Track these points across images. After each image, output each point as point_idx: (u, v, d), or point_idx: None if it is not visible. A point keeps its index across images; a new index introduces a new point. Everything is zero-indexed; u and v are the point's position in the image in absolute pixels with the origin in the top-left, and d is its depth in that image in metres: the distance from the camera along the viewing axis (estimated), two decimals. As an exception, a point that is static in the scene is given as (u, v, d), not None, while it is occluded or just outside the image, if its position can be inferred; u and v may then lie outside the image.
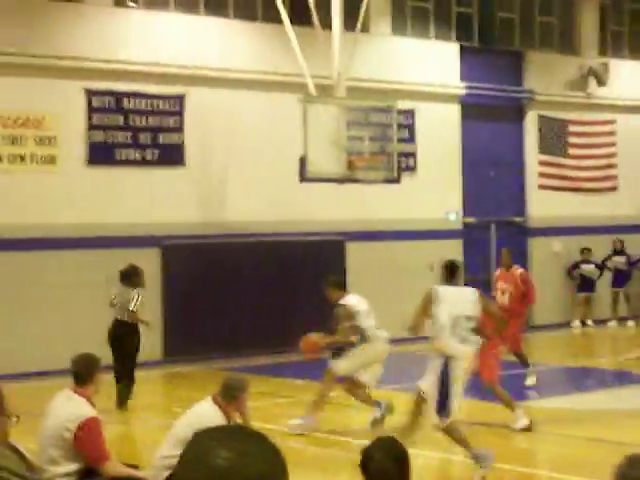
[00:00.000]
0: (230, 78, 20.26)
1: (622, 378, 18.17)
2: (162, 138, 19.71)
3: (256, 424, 11.85)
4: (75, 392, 8.32)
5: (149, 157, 19.56)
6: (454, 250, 22.21)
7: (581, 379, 18.39)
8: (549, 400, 15.45)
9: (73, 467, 8.10)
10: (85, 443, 8.06)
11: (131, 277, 15.23)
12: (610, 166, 26.74)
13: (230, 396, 8.47)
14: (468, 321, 10.86)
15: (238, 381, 8.74)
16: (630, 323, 25.25)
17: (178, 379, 18.03)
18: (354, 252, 21.07)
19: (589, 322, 25.14)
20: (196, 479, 1.88)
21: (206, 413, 8.32)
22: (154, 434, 12.06)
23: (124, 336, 14.90)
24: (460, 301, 10.94)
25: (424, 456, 11.49)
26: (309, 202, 20.77)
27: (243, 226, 20.20)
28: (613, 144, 26.75)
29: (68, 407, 8.22)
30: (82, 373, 8.37)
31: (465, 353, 10.85)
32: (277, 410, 14.98)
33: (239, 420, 8.62)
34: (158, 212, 19.43)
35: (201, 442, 1.94)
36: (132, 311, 14.92)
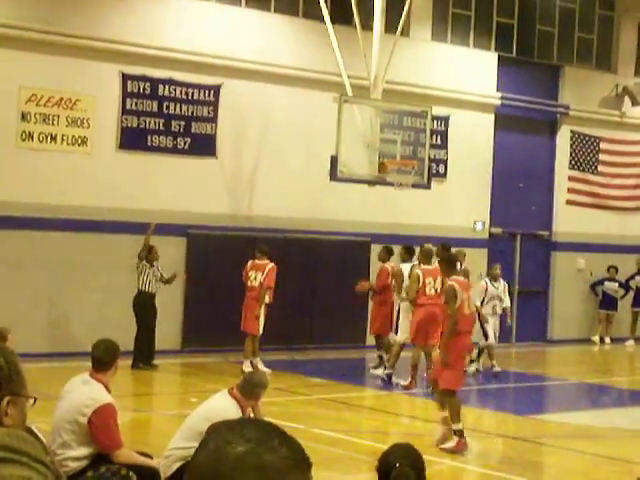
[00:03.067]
0: (267, 72, 20.27)
1: (636, 397, 18.14)
2: (195, 127, 19.72)
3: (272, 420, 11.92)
4: (93, 377, 8.28)
5: (181, 145, 19.58)
6: (479, 259, 22.17)
7: (597, 396, 18.34)
8: (563, 415, 15.40)
9: (85, 451, 8.10)
10: (99, 429, 8.06)
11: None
12: (638, 186, 26.65)
13: (251, 391, 8.44)
14: None
15: (261, 378, 8.73)
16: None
17: (195, 369, 18.05)
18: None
19: (607, 339, 25.07)
20: (214, 469, 1.86)
21: (222, 405, 8.30)
22: (168, 423, 12.09)
23: None
24: None
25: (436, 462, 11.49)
26: (338, 202, 20.75)
27: (270, 221, 20.21)
28: (643, 164, 26.66)
29: (85, 392, 8.19)
30: (103, 359, 8.32)
31: None
32: (293, 407, 15.01)
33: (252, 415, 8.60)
34: (186, 201, 19.45)
35: (220, 432, 1.92)
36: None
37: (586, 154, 25.64)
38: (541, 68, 25.05)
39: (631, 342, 25.10)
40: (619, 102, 26.00)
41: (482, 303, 18.58)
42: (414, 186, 18.63)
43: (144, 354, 16.95)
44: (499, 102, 23.73)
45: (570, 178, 25.43)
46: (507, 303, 19.27)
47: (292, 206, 20.50)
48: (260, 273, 17.17)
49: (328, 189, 19.80)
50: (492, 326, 18.70)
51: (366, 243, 21.08)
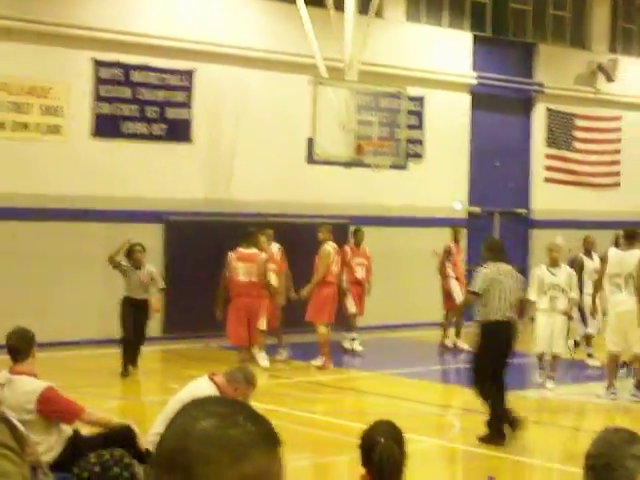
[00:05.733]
0: (241, 56, 20.18)
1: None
2: (170, 113, 19.62)
3: (256, 404, 11.90)
4: (14, 373, 8.07)
5: (156, 131, 19.48)
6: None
7: (578, 370, 18.37)
8: (538, 390, 15.42)
9: (51, 440, 8.04)
10: (53, 408, 7.98)
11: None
12: (614, 162, 26.75)
13: (235, 382, 8.30)
14: None
15: (248, 373, 8.54)
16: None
17: (176, 356, 18.01)
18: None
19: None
20: (179, 445, 1.87)
21: (201, 390, 8.20)
22: (149, 410, 12.06)
23: None
24: None
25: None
26: (316, 184, 20.72)
27: (248, 205, 20.15)
28: (618, 140, 26.76)
29: (15, 395, 7.94)
30: (20, 347, 8.11)
31: None
32: (274, 389, 15.01)
33: None
34: (163, 187, 19.37)
35: (186, 409, 1.93)
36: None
37: (562, 131, 25.69)
38: (516, 46, 25.07)
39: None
40: (593, 79, 26.07)
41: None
42: (391, 167, 18.66)
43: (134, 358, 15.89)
44: (475, 81, 23.72)
45: (547, 156, 25.50)
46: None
47: (270, 189, 20.45)
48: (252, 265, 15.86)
49: (305, 172, 19.77)
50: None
51: (345, 225, 21.05)
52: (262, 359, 16.27)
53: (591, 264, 17.29)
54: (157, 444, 1.93)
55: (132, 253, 15.90)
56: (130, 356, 15.55)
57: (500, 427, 11.35)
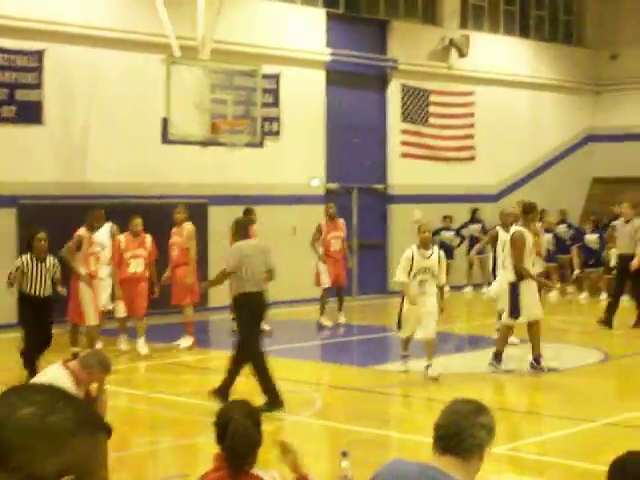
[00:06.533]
0: (92, 35, 19.81)
1: (474, 342, 18.62)
2: (19, 95, 19.14)
3: (119, 389, 11.79)
4: None
5: (5, 114, 18.99)
6: (316, 215, 22.27)
7: (437, 343, 18.69)
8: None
9: None
10: None
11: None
12: (468, 136, 27.27)
13: (89, 366, 8.17)
14: None
15: (102, 358, 8.41)
16: (484, 289, 25.84)
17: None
18: (217, 216, 20.92)
19: (446, 288, 25.54)
20: (1, 437, 1.82)
21: (52, 376, 8.06)
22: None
23: None
24: None
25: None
26: (173, 164, 20.55)
27: (104, 187, 19.86)
28: (472, 115, 27.28)
29: None
30: None
31: None
32: (133, 373, 14.89)
33: (97, 395, 8.36)
34: (15, 170, 18.91)
35: (6, 397, 1.89)
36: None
37: (417, 107, 26.04)
38: (369, 23, 25.27)
39: (468, 289, 25.74)
40: (446, 55, 26.50)
41: None
42: (247, 145, 18.64)
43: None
44: (329, 58, 23.83)
45: (403, 131, 25.83)
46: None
47: (126, 171, 20.19)
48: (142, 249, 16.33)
49: (161, 152, 19.60)
50: None
51: (203, 205, 20.95)
52: (141, 346, 16.05)
53: (505, 236, 16.69)
54: None
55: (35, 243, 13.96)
56: (32, 366, 13.17)
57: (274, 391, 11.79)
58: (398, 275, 14.18)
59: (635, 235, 19.38)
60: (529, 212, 14.85)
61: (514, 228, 14.80)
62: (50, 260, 13.93)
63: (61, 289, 14.08)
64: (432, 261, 14.04)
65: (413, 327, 14.04)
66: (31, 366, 13.15)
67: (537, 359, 14.48)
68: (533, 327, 14.58)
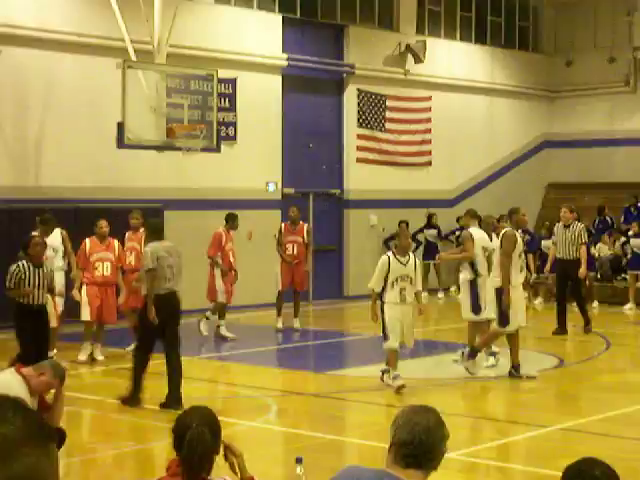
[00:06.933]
0: (47, 39, 19.66)
1: (430, 347, 18.64)
2: (-27, 98, 18.97)
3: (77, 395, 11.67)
4: None
5: (-41, 117, 18.82)
6: (273, 220, 22.28)
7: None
8: (362, 369, 15.67)
9: None
10: None
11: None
12: (425, 142, 27.37)
13: (41, 368, 8.06)
14: None
15: (56, 365, 8.31)
16: (440, 295, 25.96)
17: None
18: (173, 220, 20.81)
19: (424, 293, 25.61)
20: None
21: (4, 382, 7.94)
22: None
23: None
24: None
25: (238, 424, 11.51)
26: (128, 169, 20.44)
27: (58, 191, 19.69)
28: (428, 120, 27.37)
29: None
30: None
31: None
32: (89, 378, 14.77)
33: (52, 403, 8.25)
34: (-32, 175, 18.73)
35: None
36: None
37: (373, 112, 26.09)
38: (326, 28, 25.29)
39: (424, 294, 25.74)
40: (403, 60, 26.58)
41: None
42: (203, 150, 18.61)
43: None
44: (286, 63, 23.81)
45: (359, 136, 25.86)
46: None
47: (81, 175, 20.05)
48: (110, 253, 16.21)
49: (117, 156, 19.46)
50: None
51: (158, 209, 20.83)
52: (97, 351, 16.07)
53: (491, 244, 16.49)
54: None
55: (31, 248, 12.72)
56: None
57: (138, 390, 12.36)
58: (373, 282, 13.66)
59: (577, 240, 19.21)
60: (512, 215, 15.57)
61: (506, 228, 15.11)
62: (47, 267, 13.02)
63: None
64: (409, 268, 13.55)
65: (401, 333, 13.55)
66: None
67: (516, 367, 14.53)
68: (513, 335, 14.62)
